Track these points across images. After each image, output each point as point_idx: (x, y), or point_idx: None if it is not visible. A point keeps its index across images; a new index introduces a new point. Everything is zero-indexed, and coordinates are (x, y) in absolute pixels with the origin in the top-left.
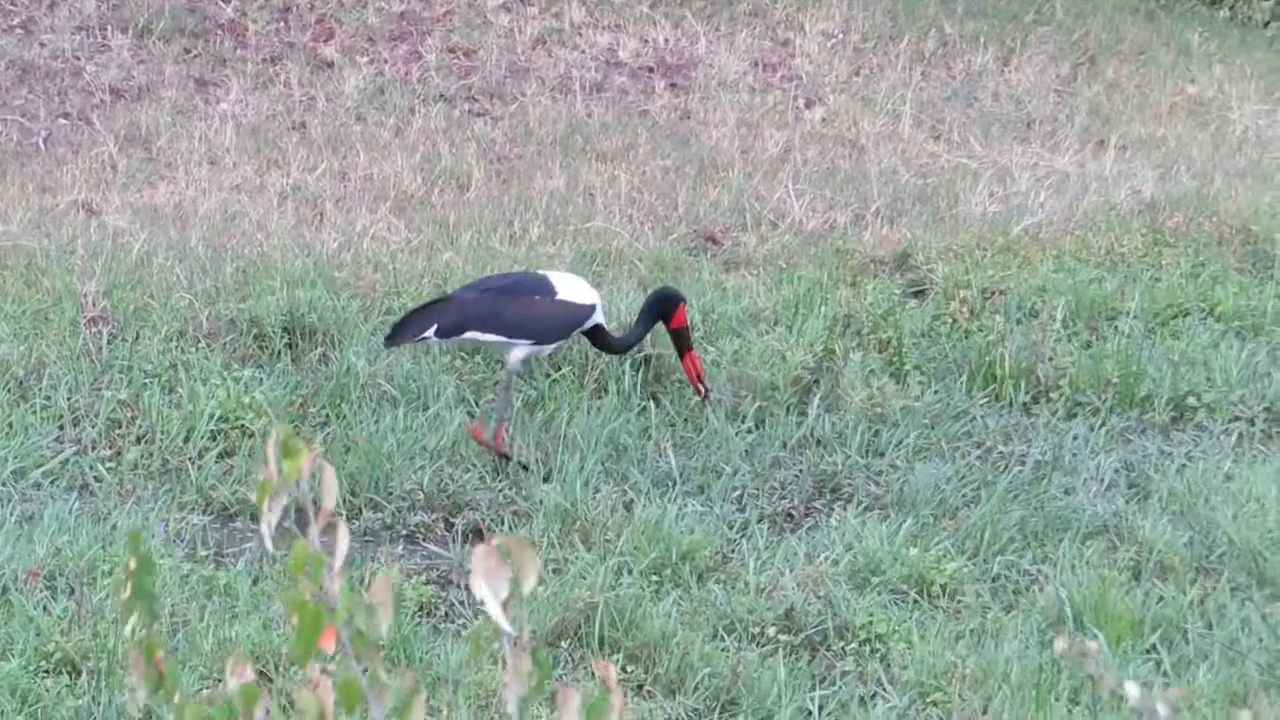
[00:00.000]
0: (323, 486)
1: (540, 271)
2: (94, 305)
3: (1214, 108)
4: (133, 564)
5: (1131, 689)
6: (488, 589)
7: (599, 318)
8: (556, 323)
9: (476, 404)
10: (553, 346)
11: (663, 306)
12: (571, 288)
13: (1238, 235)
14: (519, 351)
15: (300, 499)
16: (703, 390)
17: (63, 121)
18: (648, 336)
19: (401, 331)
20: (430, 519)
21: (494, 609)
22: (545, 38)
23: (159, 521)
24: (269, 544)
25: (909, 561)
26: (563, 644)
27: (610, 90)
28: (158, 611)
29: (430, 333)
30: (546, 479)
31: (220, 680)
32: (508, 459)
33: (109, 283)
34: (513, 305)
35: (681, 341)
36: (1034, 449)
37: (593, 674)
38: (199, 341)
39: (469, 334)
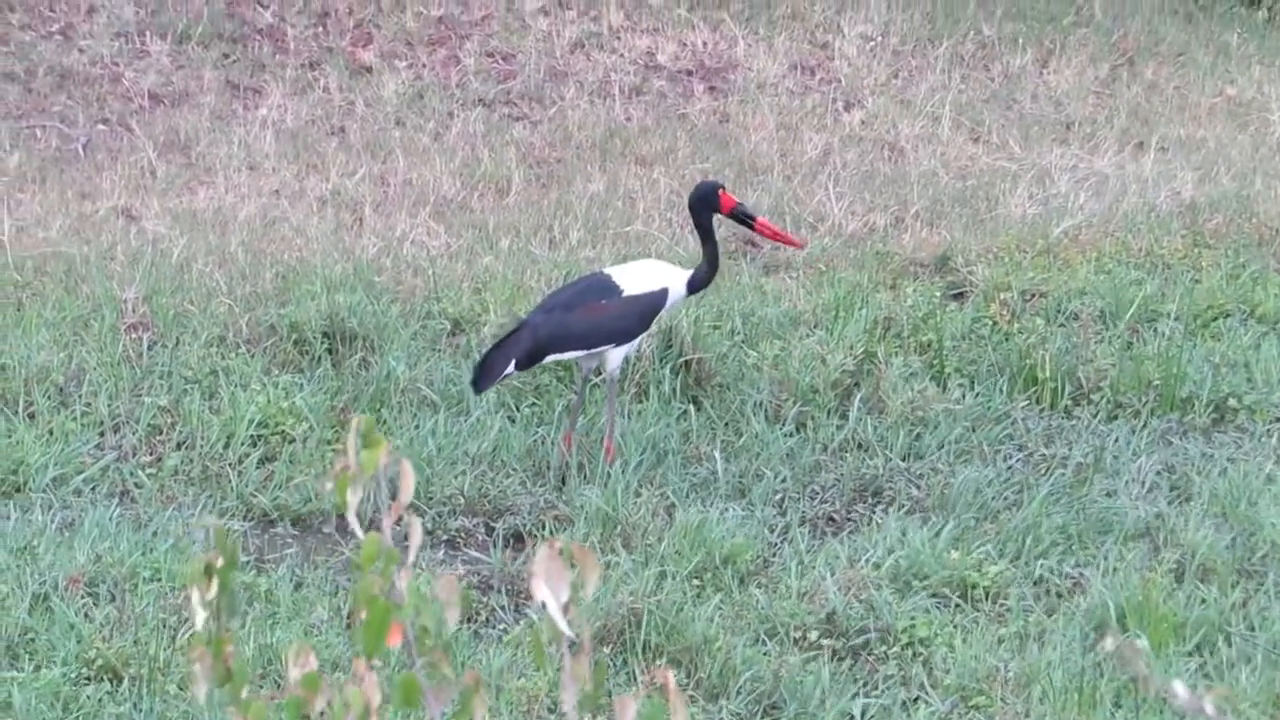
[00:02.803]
0: (401, 479)
1: (605, 270)
2: (134, 311)
3: (1253, 109)
4: (220, 562)
5: (1179, 688)
6: (548, 591)
7: (679, 291)
8: (631, 319)
9: (517, 408)
10: (641, 339)
11: (706, 205)
12: (637, 279)
13: (1278, 236)
14: (613, 358)
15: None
16: (797, 240)
17: (102, 127)
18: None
19: (486, 374)
20: (471, 524)
21: (554, 611)
22: (583, 41)
23: (199, 528)
24: (359, 532)
25: (951, 565)
26: (605, 649)
27: (649, 93)
28: (238, 607)
29: (511, 368)
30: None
31: (263, 686)
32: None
33: (149, 289)
34: (582, 316)
35: (743, 220)
36: (1075, 451)
37: (634, 679)
38: (239, 347)
39: (550, 358)
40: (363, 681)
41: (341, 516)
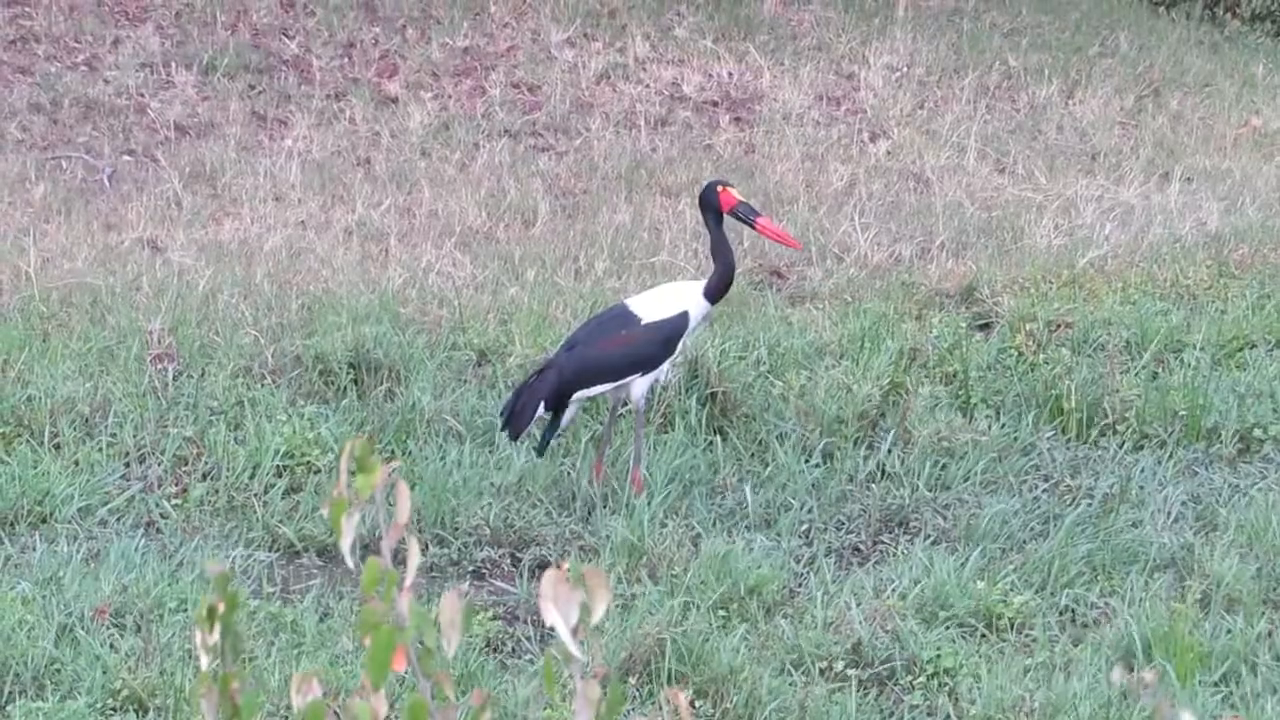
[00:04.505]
0: (397, 501)
1: (623, 301)
2: (159, 342)
3: (1279, 139)
4: (222, 607)
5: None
6: (557, 614)
7: (701, 307)
8: (655, 346)
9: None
10: (667, 364)
11: (707, 206)
12: (655, 306)
13: None
14: (637, 387)
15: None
16: (796, 242)
17: (127, 158)
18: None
19: (517, 419)
20: (497, 554)
21: (563, 633)
22: (609, 72)
23: (225, 558)
24: (349, 561)
25: (977, 595)
26: (631, 679)
27: (674, 124)
28: (241, 649)
29: (542, 410)
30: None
31: (287, 717)
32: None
33: (174, 320)
34: (605, 350)
35: (745, 219)
36: (1101, 482)
37: (661, 708)
38: (264, 378)
39: (578, 394)
40: (370, 695)
41: (365, 547)
